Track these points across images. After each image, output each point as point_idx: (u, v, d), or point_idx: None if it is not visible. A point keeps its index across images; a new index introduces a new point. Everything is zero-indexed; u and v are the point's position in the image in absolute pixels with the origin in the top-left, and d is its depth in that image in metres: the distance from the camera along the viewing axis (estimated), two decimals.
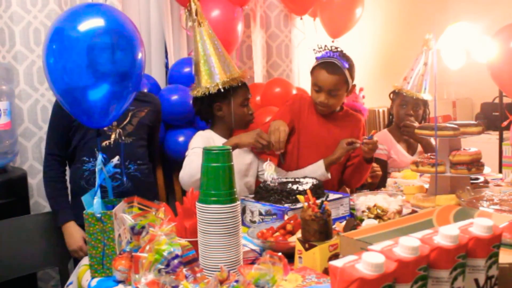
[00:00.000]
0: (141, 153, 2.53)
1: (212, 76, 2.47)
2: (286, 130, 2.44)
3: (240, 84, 2.51)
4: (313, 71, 2.64)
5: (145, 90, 2.85)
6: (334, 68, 2.54)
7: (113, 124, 2.35)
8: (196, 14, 2.50)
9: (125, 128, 2.48)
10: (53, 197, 2.43)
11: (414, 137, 3.10)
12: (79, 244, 2.36)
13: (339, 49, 2.61)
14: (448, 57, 4.58)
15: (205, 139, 2.48)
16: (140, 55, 1.83)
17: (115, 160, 2.23)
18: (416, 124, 3.07)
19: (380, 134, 3.32)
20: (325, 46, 2.63)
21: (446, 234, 1.00)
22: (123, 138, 2.47)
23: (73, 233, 2.37)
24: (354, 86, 2.68)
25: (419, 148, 3.27)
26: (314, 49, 2.66)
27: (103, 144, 2.37)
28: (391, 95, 3.38)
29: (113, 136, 2.38)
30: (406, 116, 3.20)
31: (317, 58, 2.64)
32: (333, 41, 3.51)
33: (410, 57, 3.35)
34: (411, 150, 3.31)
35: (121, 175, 2.42)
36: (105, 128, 2.34)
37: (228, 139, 2.49)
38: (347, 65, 2.56)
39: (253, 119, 2.62)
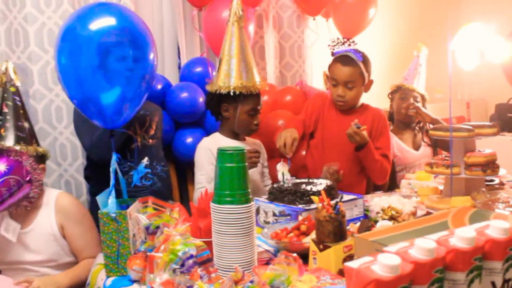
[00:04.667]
0: (163, 155, 2.65)
1: (228, 77, 2.51)
2: (293, 136, 2.46)
3: (253, 93, 2.54)
4: (329, 67, 2.73)
5: (159, 87, 2.92)
6: (348, 60, 2.63)
7: (136, 128, 2.45)
8: (237, 13, 2.54)
9: (148, 131, 2.55)
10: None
11: (421, 116, 3.26)
12: None
13: (351, 41, 2.68)
14: (462, 58, 4.56)
15: (207, 151, 2.56)
16: (152, 54, 1.83)
17: (145, 161, 2.30)
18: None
19: None
20: (338, 39, 2.69)
21: (463, 236, 1.00)
22: (148, 140, 2.54)
23: None
24: (371, 81, 2.72)
25: (423, 144, 3.37)
26: (329, 45, 2.72)
27: (132, 146, 2.46)
28: (389, 95, 3.51)
29: (139, 139, 2.47)
30: (408, 105, 3.31)
31: (333, 54, 2.72)
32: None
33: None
34: (415, 145, 3.38)
35: (152, 175, 2.49)
36: (131, 132, 2.44)
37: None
38: (361, 58, 2.63)
39: (257, 129, 2.65)
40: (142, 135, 2.52)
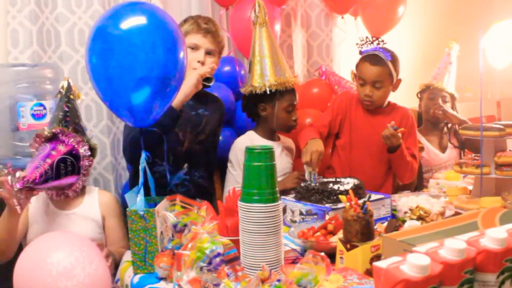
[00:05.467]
0: (205, 160, 2.54)
1: (262, 77, 2.54)
2: (318, 151, 2.39)
3: (288, 89, 2.55)
4: (357, 65, 2.68)
5: None
6: (377, 60, 2.58)
7: (186, 131, 2.39)
8: (259, 14, 2.56)
9: (198, 136, 2.47)
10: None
11: (448, 118, 3.27)
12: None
13: (380, 40, 2.62)
14: (493, 56, 4.48)
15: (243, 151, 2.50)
16: (182, 54, 1.84)
17: (185, 167, 2.27)
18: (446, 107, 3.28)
19: None
20: (366, 38, 2.65)
21: (493, 237, 0.98)
22: (194, 146, 2.46)
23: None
24: (399, 80, 2.67)
25: (450, 146, 3.37)
26: (357, 43, 2.68)
27: (177, 150, 2.39)
28: (419, 94, 3.49)
29: (186, 144, 2.41)
30: (435, 107, 3.30)
31: (361, 53, 2.67)
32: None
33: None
34: (442, 147, 3.38)
35: (188, 182, 2.42)
36: (180, 135, 2.39)
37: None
38: (390, 57, 2.57)
39: (296, 125, 2.66)
40: (191, 138, 2.44)
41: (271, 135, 2.69)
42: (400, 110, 2.75)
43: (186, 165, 2.32)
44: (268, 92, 2.51)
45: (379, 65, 2.57)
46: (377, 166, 2.68)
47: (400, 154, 2.56)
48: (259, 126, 2.69)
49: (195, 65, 2.37)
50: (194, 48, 2.41)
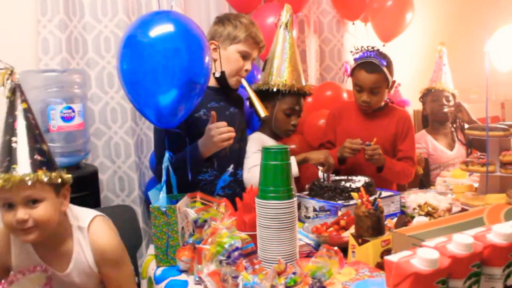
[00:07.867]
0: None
1: (268, 76, 2.47)
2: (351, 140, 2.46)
3: (292, 92, 2.45)
4: (353, 72, 2.62)
5: None
6: (373, 67, 2.51)
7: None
8: (289, 19, 2.50)
9: (236, 135, 2.30)
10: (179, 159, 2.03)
11: (461, 112, 3.39)
12: None
13: (375, 48, 2.57)
14: (497, 59, 4.45)
15: (258, 141, 2.46)
16: (207, 58, 1.84)
17: (230, 169, 2.18)
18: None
19: (418, 135, 3.43)
20: (361, 47, 2.60)
21: (500, 232, 0.98)
22: (235, 145, 2.32)
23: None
24: (394, 82, 2.62)
25: (458, 142, 3.41)
26: (351, 51, 2.65)
27: (221, 154, 2.24)
28: (421, 99, 3.55)
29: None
30: (441, 107, 3.34)
31: (355, 60, 2.62)
32: (383, 45, 3.50)
33: (459, 60, 3.33)
34: (450, 146, 3.41)
35: (234, 183, 2.31)
36: None
37: (277, 142, 2.53)
38: (385, 63, 2.52)
39: (294, 131, 2.55)
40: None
41: (275, 137, 2.56)
42: (397, 112, 2.69)
43: (231, 166, 2.21)
44: (270, 91, 2.40)
45: (375, 72, 2.51)
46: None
47: (388, 171, 2.50)
48: (264, 125, 2.58)
49: (243, 74, 2.30)
50: (246, 56, 2.30)
